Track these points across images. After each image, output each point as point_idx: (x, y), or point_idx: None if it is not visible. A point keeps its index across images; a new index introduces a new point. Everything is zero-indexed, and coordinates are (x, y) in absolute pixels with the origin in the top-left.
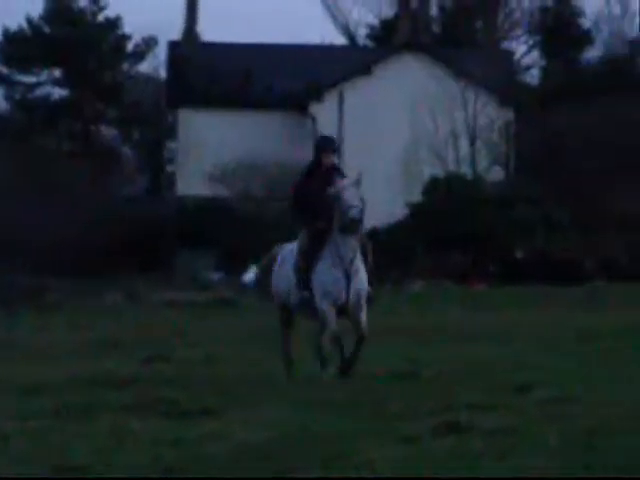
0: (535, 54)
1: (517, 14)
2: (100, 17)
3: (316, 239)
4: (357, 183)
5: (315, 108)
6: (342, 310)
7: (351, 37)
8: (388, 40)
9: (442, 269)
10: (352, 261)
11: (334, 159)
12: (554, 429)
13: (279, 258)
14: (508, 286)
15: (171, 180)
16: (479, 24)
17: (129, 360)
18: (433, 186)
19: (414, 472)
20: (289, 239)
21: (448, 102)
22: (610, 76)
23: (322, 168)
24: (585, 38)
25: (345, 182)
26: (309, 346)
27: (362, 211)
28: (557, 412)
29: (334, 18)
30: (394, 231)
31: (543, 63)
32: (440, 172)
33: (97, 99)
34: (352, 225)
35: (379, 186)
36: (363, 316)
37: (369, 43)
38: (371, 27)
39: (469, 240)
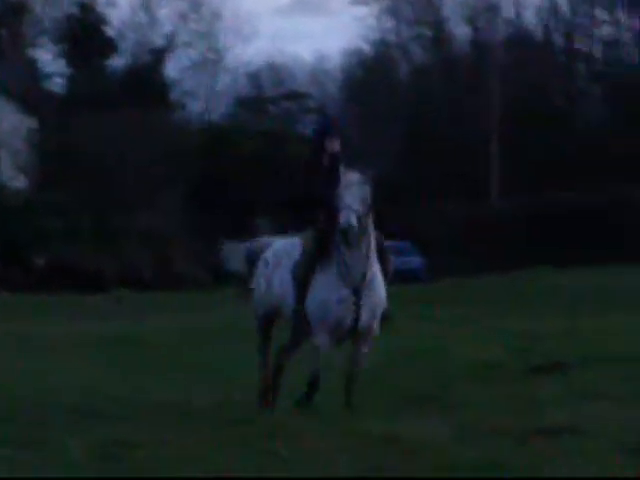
0: (61, 62)
1: (42, 22)
2: None
3: (321, 244)
4: (366, 179)
5: None
6: (348, 335)
7: None
8: None
9: None
10: (364, 274)
11: (338, 145)
12: (78, 441)
13: (270, 255)
14: (30, 295)
15: None
16: (2, 31)
17: None
18: None
19: None
20: None
21: None
22: (135, 85)
23: (325, 157)
24: (110, 46)
25: (352, 177)
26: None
27: (362, 216)
28: (82, 425)
29: None
30: None
31: (69, 71)
32: None
33: None
34: (343, 235)
35: None
36: (366, 347)
37: None
38: None
39: None
